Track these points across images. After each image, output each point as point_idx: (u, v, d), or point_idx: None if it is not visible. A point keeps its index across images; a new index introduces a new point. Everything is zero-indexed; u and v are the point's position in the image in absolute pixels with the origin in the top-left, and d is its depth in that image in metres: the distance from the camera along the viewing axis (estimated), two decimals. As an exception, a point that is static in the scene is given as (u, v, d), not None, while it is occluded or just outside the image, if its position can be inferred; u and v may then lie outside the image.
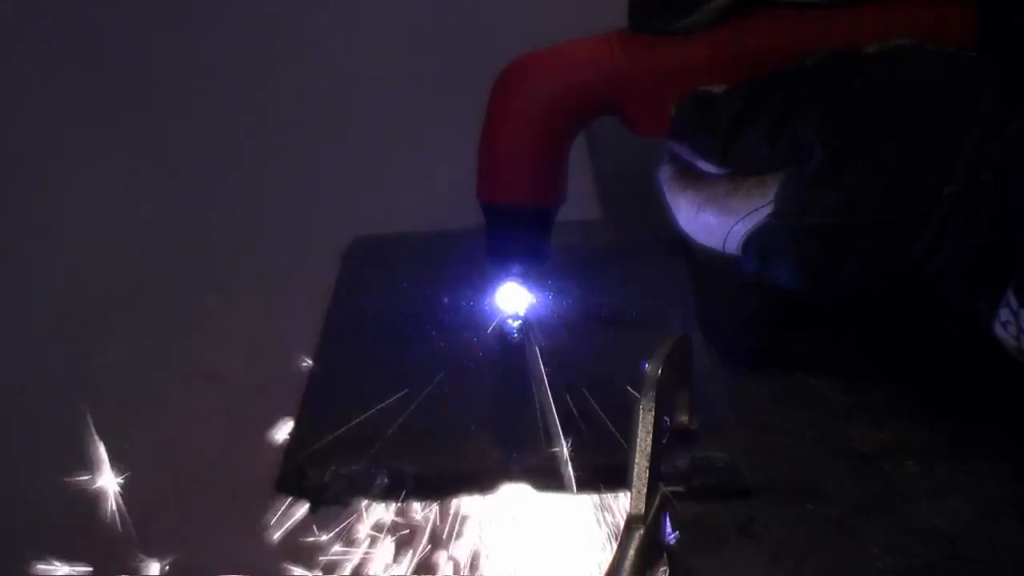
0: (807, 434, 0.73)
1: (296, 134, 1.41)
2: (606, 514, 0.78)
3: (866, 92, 0.73)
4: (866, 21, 0.77)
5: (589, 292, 0.85)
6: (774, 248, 0.76)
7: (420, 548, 0.83)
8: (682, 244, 0.87)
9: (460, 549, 0.82)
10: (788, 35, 0.77)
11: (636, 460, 0.60)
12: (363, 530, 0.83)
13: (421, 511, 0.82)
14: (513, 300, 0.83)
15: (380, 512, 0.82)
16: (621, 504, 0.75)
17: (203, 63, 1.39)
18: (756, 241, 0.76)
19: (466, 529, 0.81)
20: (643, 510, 0.59)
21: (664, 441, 0.63)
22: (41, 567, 0.87)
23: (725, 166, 0.77)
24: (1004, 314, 0.70)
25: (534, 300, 0.83)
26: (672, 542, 0.63)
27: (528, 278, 0.83)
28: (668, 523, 0.63)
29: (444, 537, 0.82)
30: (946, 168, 0.72)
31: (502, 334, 0.82)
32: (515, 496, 0.69)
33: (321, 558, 0.86)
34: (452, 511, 0.81)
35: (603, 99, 0.79)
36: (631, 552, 0.58)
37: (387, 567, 0.83)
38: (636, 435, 0.60)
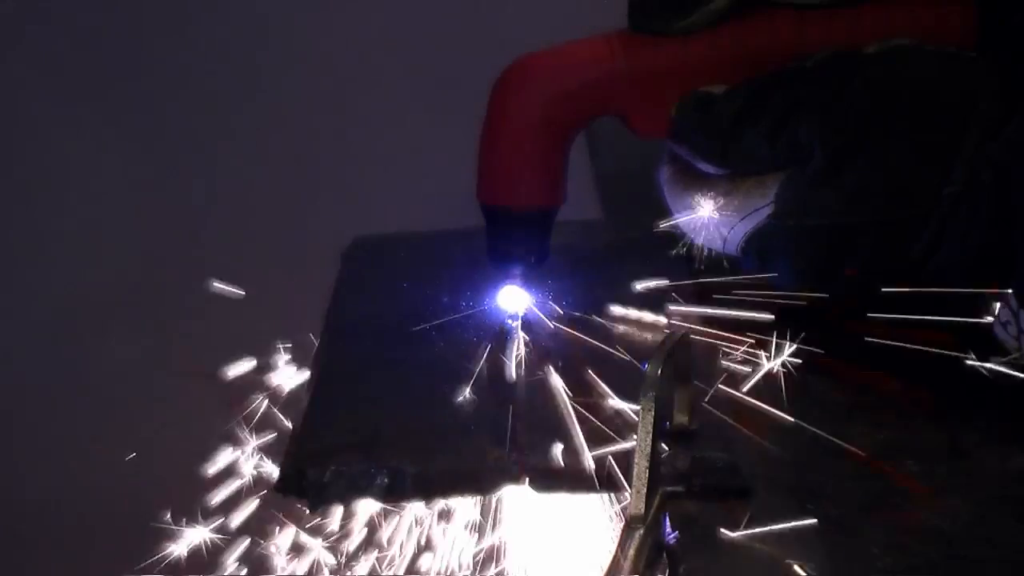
0: (807, 434, 0.73)
1: (296, 134, 1.41)
2: (606, 514, 0.78)
3: (866, 92, 0.73)
4: (866, 21, 0.77)
5: (589, 292, 0.85)
6: (774, 248, 0.76)
7: (420, 548, 0.83)
8: (682, 243, 0.87)
9: (460, 549, 0.82)
10: (788, 35, 0.77)
11: (636, 460, 0.60)
12: (362, 530, 0.83)
13: (420, 511, 0.82)
14: (513, 300, 0.83)
15: (379, 512, 0.82)
16: (621, 504, 0.76)
17: (203, 64, 1.39)
18: (756, 241, 0.76)
19: (466, 529, 0.81)
20: (643, 510, 0.59)
21: (663, 441, 0.63)
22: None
23: (725, 167, 0.77)
24: (1004, 314, 0.70)
25: (534, 300, 0.84)
26: (672, 542, 0.63)
27: (528, 279, 0.83)
28: (668, 523, 0.63)
29: (444, 537, 0.82)
30: (946, 168, 0.72)
31: (502, 334, 0.82)
32: (515, 496, 0.69)
33: (321, 558, 0.86)
34: (451, 511, 0.81)
35: (603, 100, 0.79)
36: (631, 552, 0.58)
37: (386, 567, 0.83)
38: (636, 435, 0.60)
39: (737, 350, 0.77)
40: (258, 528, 0.87)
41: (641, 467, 0.60)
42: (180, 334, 1.42)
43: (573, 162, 0.81)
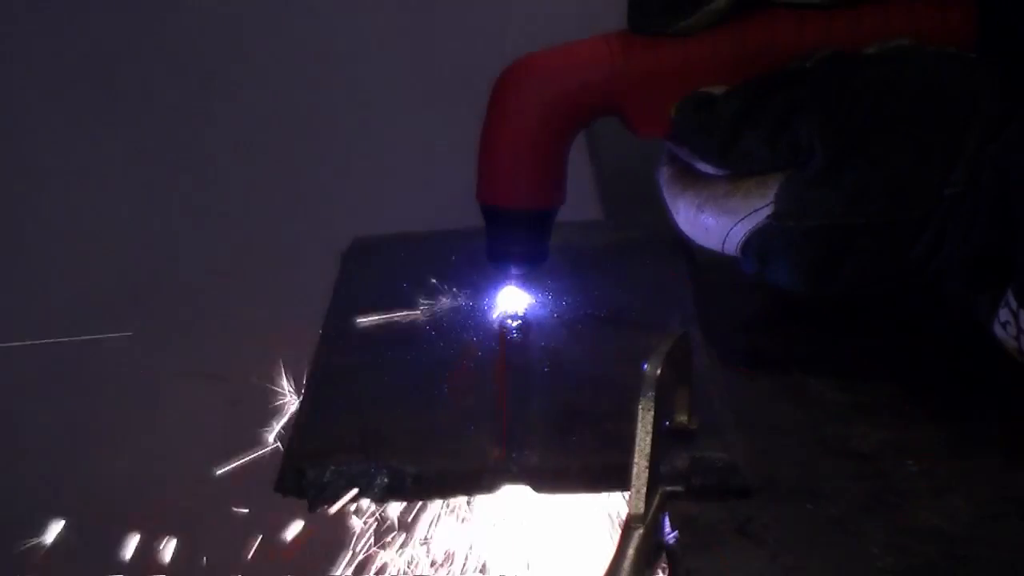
0: (807, 434, 0.73)
1: (296, 134, 1.41)
2: (606, 514, 0.78)
3: (866, 93, 0.73)
4: (866, 21, 0.77)
5: (589, 292, 0.85)
6: (774, 249, 0.76)
7: (419, 548, 0.83)
8: (682, 244, 0.87)
9: (460, 549, 0.82)
10: (788, 36, 0.77)
11: (636, 460, 0.60)
12: (361, 530, 0.83)
13: (420, 511, 0.82)
14: (513, 300, 0.83)
15: (379, 512, 0.82)
16: (621, 504, 0.76)
17: (204, 64, 1.39)
18: (756, 242, 0.76)
19: (466, 529, 0.81)
20: (643, 510, 0.59)
21: (663, 441, 0.63)
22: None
23: (725, 167, 0.77)
24: (1004, 314, 0.70)
25: (534, 300, 0.84)
26: (672, 542, 0.63)
27: (528, 279, 0.83)
28: (668, 523, 0.63)
29: (443, 537, 0.82)
30: (947, 169, 0.72)
31: (502, 334, 0.82)
32: (515, 496, 0.69)
33: (320, 558, 0.86)
34: (451, 511, 0.81)
35: (603, 100, 0.79)
36: (631, 552, 0.58)
37: (386, 567, 0.83)
38: (635, 435, 0.60)
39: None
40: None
41: (640, 467, 0.60)
42: (180, 334, 1.42)
43: (573, 162, 0.81)
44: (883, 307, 0.81)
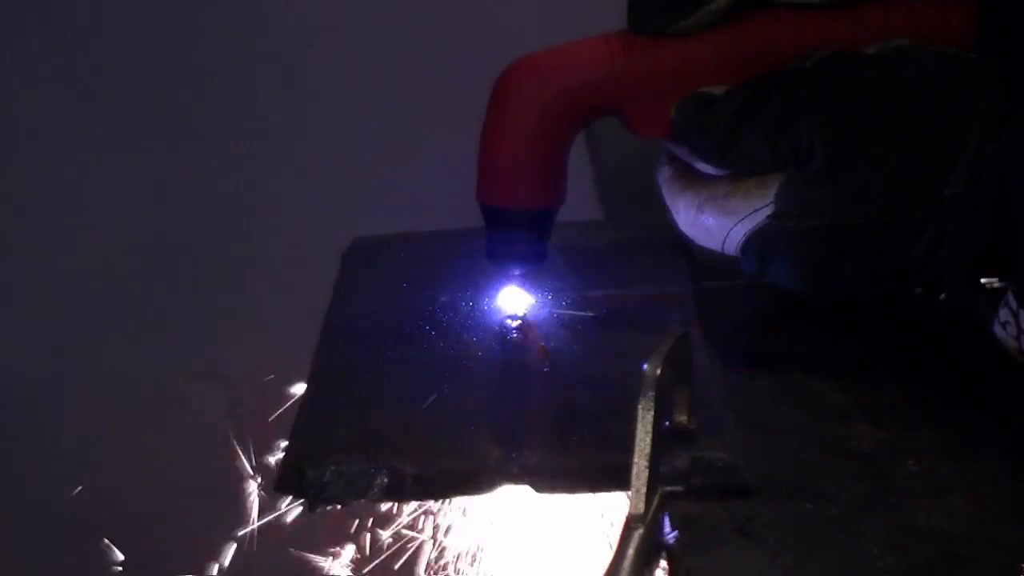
0: (807, 434, 0.73)
1: (296, 134, 1.41)
2: (606, 514, 0.78)
3: (866, 93, 0.73)
4: (866, 21, 0.77)
5: (589, 292, 0.85)
6: (774, 249, 0.76)
7: (419, 548, 0.83)
8: (682, 244, 0.87)
9: (460, 549, 0.82)
10: (788, 36, 0.77)
11: (635, 460, 0.60)
12: (361, 531, 0.83)
13: (420, 511, 0.82)
14: (513, 300, 0.83)
15: (378, 512, 0.82)
16: (621, 504, 0.76)
17: (203, 64, 1.39)
18: (756, 242, 0.76)
19: (465, 529, 0.81)
20: (643, 510, 0.59)
21: (663, 441, 0.63)
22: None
23: (724, 167, 0.77)
24: (1004, 314, 0.70)
25: (534, 301, 0.83)
26: (672, 542, 0.63)
27: (528, 279, 0.83)
28: (668, 523, 0.63)
29: (444, 537, 0.82)
30: (946, 169, 0.72)
31: (502, 334, 0.82)
32: (515, 496, 0.69)
33: (319, 559, 0.86)
34: (452, 511, 0.81)
35: (603, 100, 0.79)
36: (631, 552, 0.58)
37: (385, 567, 0.83)
38: (635, 435, 0.60)
39: None
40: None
41: (640, 467, 0.60)
42: (180, 335, 1.42)
43: (573, 162, 0.81)
44: (883, 307, 0.81)
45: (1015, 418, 0.72)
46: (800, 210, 0.74)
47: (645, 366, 0.61)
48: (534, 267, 0.82)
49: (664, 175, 0.81)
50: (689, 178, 0.79)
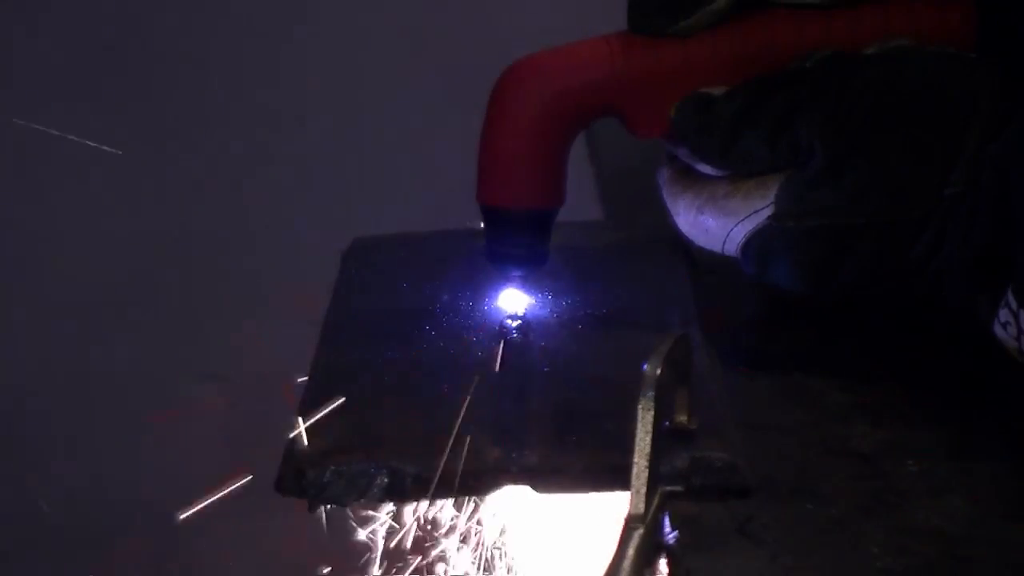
0: (807, 434, 0.73)
1: (296, 135, 1.41)
2: (605, 514, 0.78)
3: (866, 93, 0.73)
4: (866, 21, 0.77)
5: (589, 292, 0.85)
6: (774, 250, 0.76)
7: (419, 548, 0.83)
8: (682, 244, 0.87)
9: (460, 549, 0.82)
10: (788, 36, 0.77)
11: (635, 460, 0.60)
12: (361, 532, 0.83)
13: (420, 511, 0.82)
14: (513, 300, 0.83)
15: (378, 512, 0.82)
16: (620, 504, 0.75)
17: (204, 64, 1.40)
18: (756, 243, 0.76)
19: (465, 529, 0.81)
20: (642, 510, 0.59)
21: (663, 441, 0.63)
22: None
23: (724, 168, 0.77)
24: (1004, 315, 0.70)
25: (534, 301, 0.83)
26: (671, 542, 0.63)
27: (528, 280, 0.83)
28: (668, 523, 0.63)
29: (443, 537, 0.82)
30: (947, 169, 0.72)
31: (502, 334, 0.82)
32: (515, 496, 0.69)
33: (320, 560, 0.86)
34: (451, 511, 0.81)
35: (603, 101, 0.79)
36: (630, 552, 0.58)
37: (386, 568, 0.83)
38: (635, 435, 0.60)
39: None
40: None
41: (640, 467, 0.60)
42: (180, 335, 1.42)
43: (573, 162, 0.81)
44: (883, 307, 0.81)
45: (1015, 418, 0.72)
46: (800, 210, 0.74)
47: (645, 366, 0.61)
48: (534, 268, 0.82)
49: (664, 176, 0.81)
50: (689, 179, 0.79)
